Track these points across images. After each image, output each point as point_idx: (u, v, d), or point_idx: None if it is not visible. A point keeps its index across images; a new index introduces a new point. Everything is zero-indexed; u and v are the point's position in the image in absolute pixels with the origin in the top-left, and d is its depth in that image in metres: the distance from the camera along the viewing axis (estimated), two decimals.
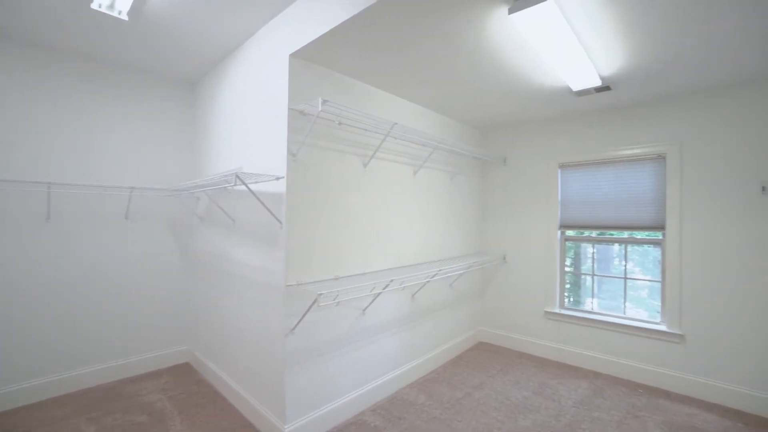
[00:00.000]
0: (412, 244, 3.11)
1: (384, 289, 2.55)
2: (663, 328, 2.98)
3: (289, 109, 2.18)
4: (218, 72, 2.97)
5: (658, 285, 3.10)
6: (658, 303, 3.12)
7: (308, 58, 2.26)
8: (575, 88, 2.68)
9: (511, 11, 1.68)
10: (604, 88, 2.73)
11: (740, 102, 2.69)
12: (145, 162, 3.15)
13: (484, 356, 3.64)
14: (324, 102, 1.97)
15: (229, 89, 2.81)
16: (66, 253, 2.78)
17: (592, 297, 3.52)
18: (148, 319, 3.18)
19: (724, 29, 1.91)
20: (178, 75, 3.21)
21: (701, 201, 2.83)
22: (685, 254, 2.89)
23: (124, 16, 2.22)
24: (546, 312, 3.59)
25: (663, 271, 3.03)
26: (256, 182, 2.37)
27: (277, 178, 2.17)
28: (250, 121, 2.54)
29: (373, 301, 2.65)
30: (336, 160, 2.46)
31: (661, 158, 3.02)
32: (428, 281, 3.11)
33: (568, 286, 3.67)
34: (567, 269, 3.66)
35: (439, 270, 2.89)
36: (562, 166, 3.55)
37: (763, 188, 2.59)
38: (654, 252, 3.16)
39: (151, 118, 3.18)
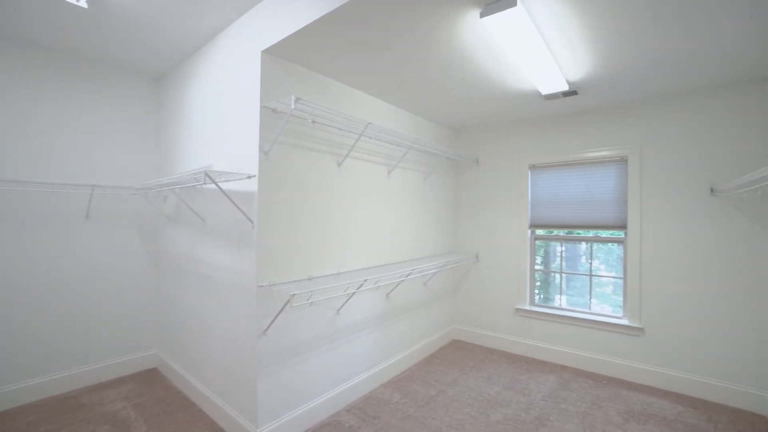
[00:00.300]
0: (386, 243, 3.12)
1: (358, 288, 2.55)
2: (624, 322, 3.14)
3: (261, 106, 2.14)
4: (187, 66, 2.87)
5: (621, 281, 3.26)
6: (621, 299, 3.28)
7: (281, 55, 2.23)
8: (544, 92, 2.78)
9: (482, 15, 1.72)
10: (571, 93, 2.84)
11: (691, 109, 2.86)
12: (108, 159, 3.00)
13: (457, 354, 3.70)
14: (297, 100, 1.94)
15: (198, 84, 2.72)
16: (19, 255, 2.61)
17: (560, 294, 3.65)
18: (111, 324, 3.03)
19: (677, 43, 2.03)
20: (144, 68, 3.08)
21: (659, 201, 3.00)
22: (645, 252, 3.05)
23: (83, 4, 2.11)
24: (517, 309, 3.70)
25: (625, 268, 3.18)
26: (227, 181, 2.31)
27: (249, 177, 2.13)
28: (220, 118, 2.47)
29: (347, 301, 2.64)
30: (310, 159, 2.44)
31: (623, 161, 3.18)
32: (402, 280, 3.13)
33: (538, 283, 3.80)
34: (537, 267, 3.78)
35: (413, 269, 2.92)
36: (533, 167, 3.67)
37: (712, 190, 2.77)
38: (618, 250, 3.32)
39: (115, 113, 3.04)
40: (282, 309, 2.09)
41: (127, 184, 3.10)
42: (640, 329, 3.05)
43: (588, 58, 2.27)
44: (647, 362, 3.03)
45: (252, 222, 2.16)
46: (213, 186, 2.45)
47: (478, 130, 4.03)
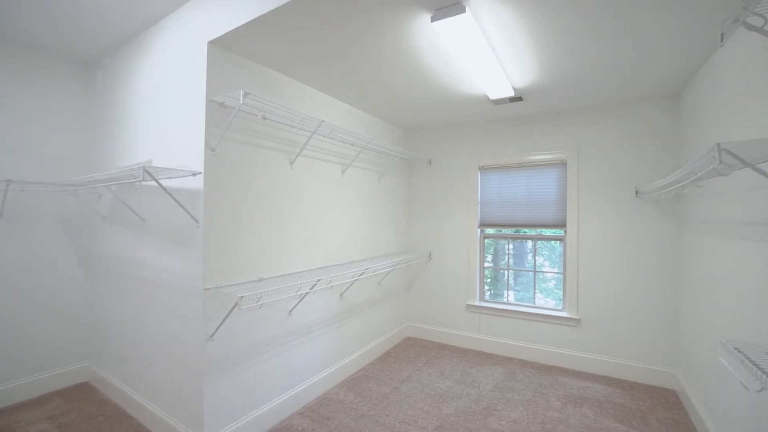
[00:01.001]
0: (340, 243, 3.11)
1: (311, 289, 2.51)
2: (564, 314, 3.37)
3: (207, 100, 2.04)
4: (126, 52, 2.66)
5: (561, 276, 3.50)
6: (562, 292, 3.52)
7: (230, 48, 2.14)
8: (492, 97, 2.92)
9: (433, 19, 1.77)
10: (517, 99, 3.01)
11: (620, 119, 3.15)
12: (28, 151, 2.70)
13: (411, 351, 3.77)
14: (246, 95, 1.87)
15: (139, 72, 2.53)
16: None
17: (508, 290, 3.85)
18: (33, 336, 2.72)
19: (609, 58, 2.23)
20: (74, 53, 2.80)
21: (593, 202, 3.26)
22: (581, 248, 3.31)
23: None
24: (468, 305, 3.84)
25: (564, 264, 3.43)
26: (170, 178, 2.17)
27: (194, 174, 2.02)
28: (163, 111, 2.32)
29: (300, 301, 2.59)
30: (260, 157, 2.36)
31: (563, 164, 3.42)
32: (356, 280, 3.13)
33: (488, 280, 3.97)
34: (487, 265, 3.95)
35: (367, 268, 2.93)
36: (482, 169, 3.83)
37: (636, 192, 3.07)
38: (559, 247, 3.56)
39: (38, 102, 2.74)
40: (230, 312, 2.00)
41: (53, 180, 2.81)
42: (577, 320, 3.29)
43: (533, 66, 2.42)
44: (583, 350, 3.28)
45: (197, 222, 2.05)
46: (154, 183, 2.29)
47: (431, 132, 4.13)
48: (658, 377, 2.98)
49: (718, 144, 1.18)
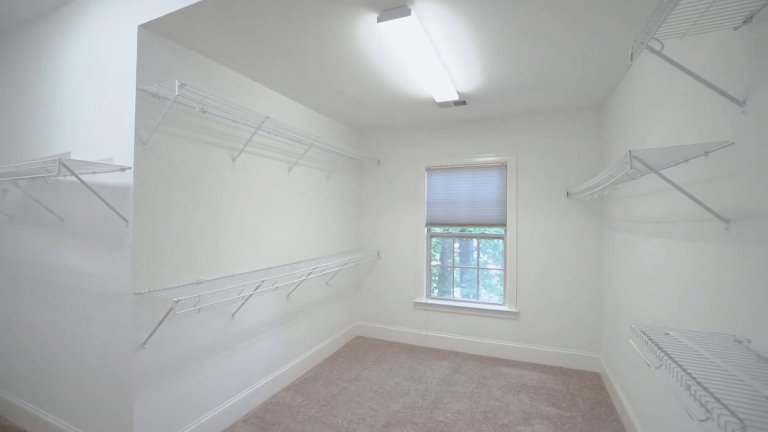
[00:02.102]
0: (286, 243, 3.03)
1: (255, 290, 2.42)
2: (504, 308, 3.58)
3: (137, 89, 1.88)
4: (40, 27, 2.36)
5: (503, 272, 3.71)
6: (503, 288, 3.73)
7: (165, 34, 1.99)
8: (438, 100, 3.01)
9: (379, 20, 1.79)
10: (461, 103, 3.14)
11: (554, 125, 3.42)
12: None
13: (360, 349, 3.78)
14: (182, 86, 1.76)
15: (57, 53, 2.26)
16: None
17: (453, 287, 4.00)
18: None
19: (547, 69, 2.41)
20: None
21: (530, 202, 3.50)
22: (520, 246, 3.53)
23: None
24: (415, 303, 3.93)
25: (504, 261, 3.64)
26: (94, 173, 1.97)
27: (122, 169, 1.85)
28: (86, 98, 2.09)
29: (243, 304, 2.49)
30: (199, 152, 2.23)
31: (503, 166, 3.62)
32: (303, 280, 3.07)
33: (436, 278, 4.10)
34: (435, 263, 4.07)
35: (315, 268, 2.88)
36: (429, 170, 3.94)
37: (567, 193, 3.35)
38: (501, 245, 3.77)
39: None
40: (164, 318, 1.87)
41: None
42: (516, 313, 3.51)
43: (476, 72, 2.53)
44: (522, 341, 3.51)
45: (126, 221, 1.88)
46: (73, 179, 2.06)
47: (380, 132, 4.17)
48: (584, 362, 3.27)
49: (630, 151, 1.32)
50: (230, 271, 2.43)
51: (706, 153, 1.34)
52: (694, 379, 0.83)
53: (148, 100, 1.93)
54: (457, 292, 4.00)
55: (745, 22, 1.13)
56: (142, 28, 1.90)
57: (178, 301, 1.75)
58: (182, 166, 2.12)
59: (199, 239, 2.22)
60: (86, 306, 2.05)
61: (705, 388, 0.80)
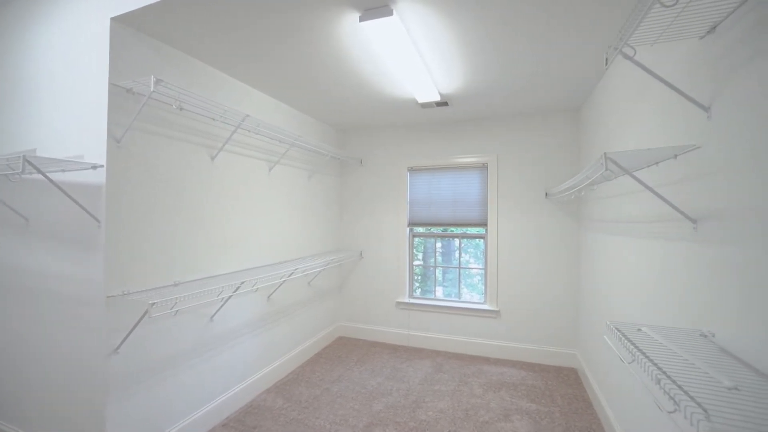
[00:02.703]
0: (267, 243, 2.98)
1: (234, 292, 2.38)
2: (485, 307, 3.63)
3: (110, 84, 1.81)
4: (1, 16, 2.25)
5: (484, 271, 3.76)
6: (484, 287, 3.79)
7: (140, 28, 1.93)
8: (420, 100, 3.03)
9: (361, 19, 1.78)
10: (443, 104, 3.16)
11: (534, 128, 3.49)
12: None
13: (343, 350, 3.76)
14: (158, 82, 1.71)
15: (20, 45, 2.16)
16: None
17: (435, 286, 4.04)
18: None
19: (527, 72, 2.45)
20: None
21: (510, 202, 3.56)
22: (500, 245, 3.59)
23: None
24: (397, 302, 3.95)
25: (486, 260, 3.69)
26: (63, 171, 1.89)
27: (94, 167, 1.78)
28: (55, 93, 2.00)
29: (222, 306, 2.44)
30: (177, 151, 2.17)
31: (485, 167, 3.68)
32: (284, 281, 3.04)
33: (419, 277, 4.12)
34: (417, 262, 4.10)
35: (296, 268, 2.85)
36: (411, 170, 3.96)
37: (546, 194, 3.43)
38: (482, 245, 3.82)
39: None
40: (139, 321, 1.81)
41: None
42: (497, 312, 3.57)
43: (459, 74, 2.56)
44: (503, 339, 3.57)
45: (98, 221, 1.81)
46: (39, 177, 1.97)
47: (362, 132, 4.17)
48: (562, 359, 3.35)
49: (605, 153, 1.36)
50: (209, 272, 2.38)
51: (675, 156, 1.39)
52: (663, 372, 0.87)
53: (122, 95, 1.87)
54: (440, 292, 4.03)
55: (709, 32, 1.19)
56: (115, 21, 1.84)
57: (153, 304, 1.70)
58: (159, 165, 2.06)
59: (176, 240, 2.16)
60: (55, 311, 1.96)
61: (674, 381, 0.83)
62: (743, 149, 1.05)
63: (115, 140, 1.83)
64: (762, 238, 0.97)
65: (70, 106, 1.94)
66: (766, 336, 0.95)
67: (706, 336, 1.16)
